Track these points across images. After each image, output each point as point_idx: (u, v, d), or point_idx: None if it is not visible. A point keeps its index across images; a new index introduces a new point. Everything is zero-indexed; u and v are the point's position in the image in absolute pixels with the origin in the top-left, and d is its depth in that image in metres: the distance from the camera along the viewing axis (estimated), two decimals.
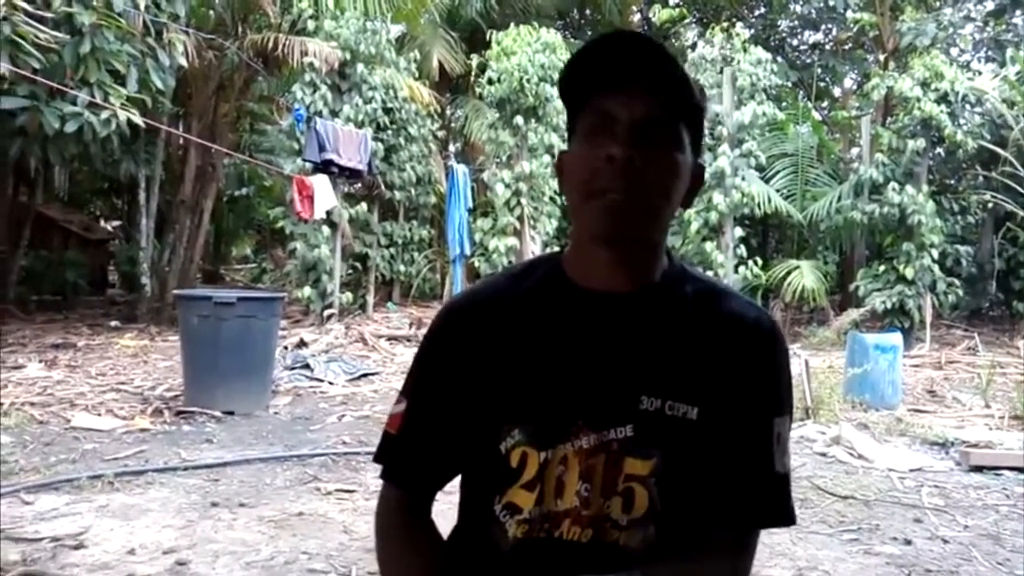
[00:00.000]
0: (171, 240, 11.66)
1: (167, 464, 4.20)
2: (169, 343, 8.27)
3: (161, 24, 7.90)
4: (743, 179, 9.93)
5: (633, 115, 0.88)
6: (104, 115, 7.04)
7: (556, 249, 1.13)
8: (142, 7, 7.52)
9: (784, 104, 12.39)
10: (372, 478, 3.90)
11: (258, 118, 15.57)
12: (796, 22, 17.26)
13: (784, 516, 0.95)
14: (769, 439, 0.93)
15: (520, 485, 0.92)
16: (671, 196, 0.92)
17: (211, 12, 10.68)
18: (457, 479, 1.04)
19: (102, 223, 16.97)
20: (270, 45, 9.99)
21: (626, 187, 0.87)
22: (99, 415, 5.24)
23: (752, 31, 15.46)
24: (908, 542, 3.40)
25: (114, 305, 12.41)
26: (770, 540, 3.33)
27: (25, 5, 6.23)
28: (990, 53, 12.95)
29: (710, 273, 9.13)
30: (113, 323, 10.09)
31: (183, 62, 8.36)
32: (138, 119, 7.34)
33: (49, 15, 6.61)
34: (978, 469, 4.51)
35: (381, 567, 1.02)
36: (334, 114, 9.83)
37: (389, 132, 10.95)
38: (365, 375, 7.18)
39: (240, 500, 3.68)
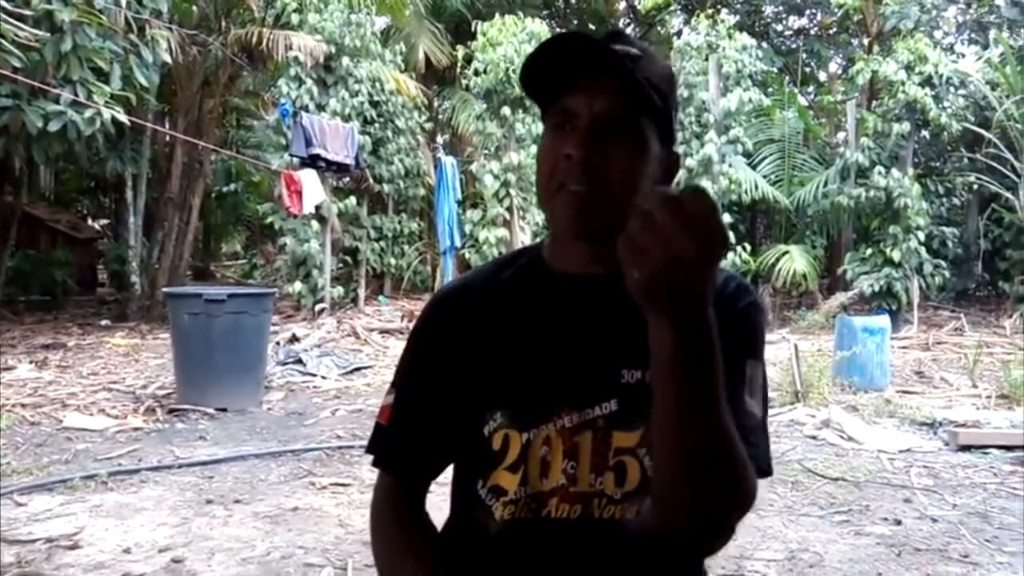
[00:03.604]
0: (160, 238, 11.60)
1: (161, 462, 4.20)
2: (160, 341, 8.25)
3: (143, 20, 7.84)
4: (730, 166, 9.96)
5: (593, 111, 0.88)
6: (88, 113, 6.98)
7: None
8: (123, 3, 7.46)
9: (770, 90, 12.41)
10: (367, 472, 3.91)
11: (244, 114, 15.49)
12: (781, 7, 17.28)
13: (757, 461, 0.87)
14: (740, 379, 0.91)
15: (504, 467, 0.93)
16: (634, 186, 0.90)
17: (194, 7, 10.58)
18: (450, 469, 1.06)
19: (90, 222, 16.86)
20: (254, 40, 9.93)
21: (585, 180, 0.88)
22: (91, 415, 5.23)
23: (737, 17, 15.43)
24: (898, 522, 3.45)
25: (104, 304, 12.35)
26: (762, 523, 3.37)
27: (3, 3, 6.16)
28: (973, 35, 13.00)
29: None
30: (103, 322, 10.05)
31: (167, 58, 8.29)
32: (123, 117, 7.28)
33: (28, 13, 6.54)
34: (966, 448, 4.57)
35: (375, 555, 1.03)
36: (320, 108, 9.79)
37: (376, 125, 10.91)
38: (358, 369, 7.19)
39: (235, 496, 3.69)
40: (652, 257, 0.67)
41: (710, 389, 0.75)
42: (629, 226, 0.68)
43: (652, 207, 0.67)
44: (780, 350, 6.47)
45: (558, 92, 0.91)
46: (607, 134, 0.88)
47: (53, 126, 6.91)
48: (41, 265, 11.82)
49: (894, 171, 9.84)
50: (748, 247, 10.21)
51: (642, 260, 0.67)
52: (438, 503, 1.07)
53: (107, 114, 7.07)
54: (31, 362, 7.10)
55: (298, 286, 9.77)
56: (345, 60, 9.98)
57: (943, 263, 10.39)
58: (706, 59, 10.24)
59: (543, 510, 0.92)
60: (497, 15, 10.30)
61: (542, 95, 0.94)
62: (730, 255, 9.88)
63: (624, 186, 0.89)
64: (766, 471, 0.92)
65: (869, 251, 10.14)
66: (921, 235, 9.90)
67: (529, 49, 9.55)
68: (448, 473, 1.06)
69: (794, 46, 16.94)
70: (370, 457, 1.05)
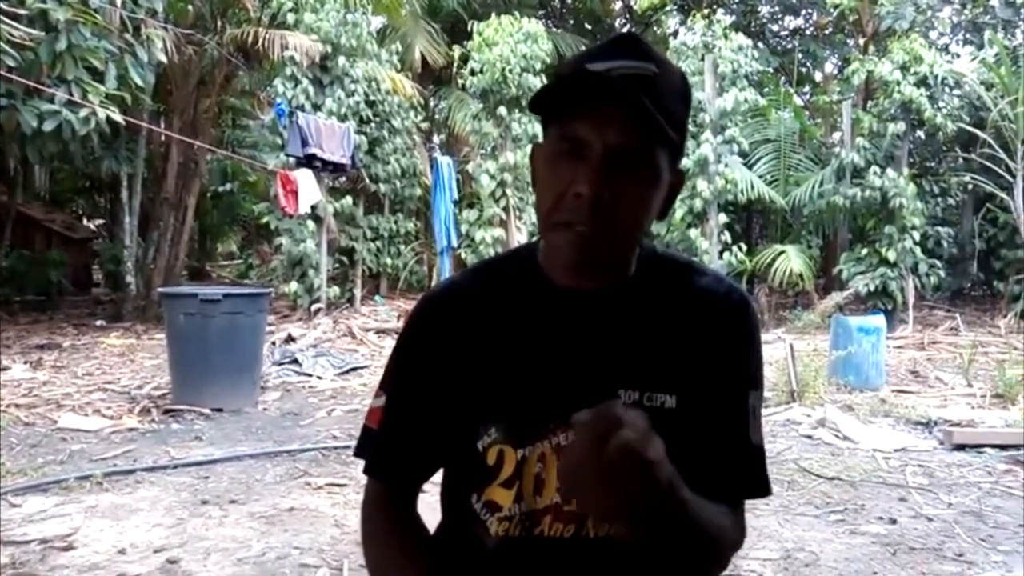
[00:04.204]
0: (155, 238, 11.57)
1: (156, 463, 4.19)
2: (156, 341, 8.23)
3: (138, 20, 7.82)
4: (726, 166, 9.97)
5: (606, 143, 0.83)
6: (83, 113, 6.96)
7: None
8: (118, 2, 7.44)
9: (766, 90, 12.41)
10: (362, 472, 3.91)
11: (240, 113, 15.45)
12: (776, 7, 17.29)
13: (761, 488, 0.96)
14: (745, 413, 0.94)
15: (498, 483, 0.92)
16: (641, 225, 0.89)
17: (189, 7, 10.57)
18: (439, 474, 1.05)
19: (85, 222, 16.80)
20: (250, 39, 9.91)
21: (593, 221, 0.84)
22: (86, 415, 5.21)
23: (733, 17, 15.48)
24: (893, 521, 3.46)
25: (99, 304, 12.31)
26: (758, 523, 3.37)
27: None
28: (968, 36, 13.02)
29: (695, 259, 9.17)
30: (98, 322, 10.02)
31: (162, 58, 8.27)
32: (118, 116, 7.26)
33: (23, 12, 6.52)
34: (961, 447, 4.58)
35: (367, 558, 1.02)
36: (316, 108, 9.77)
37: (372, 125, 10.89)
38: (354, 369, 7.18)
39: (230, 497, 3.68)
40: (585, 498, 0.70)
41: (684, 528, 0.80)
42: (564, 460, 0.72)
43: (579, 459, 0.68)
44: (776, 350, 6.48)
45: (568, 113, 0.86)
46: (618, 167, 0.84)
47: (48, 126, 6.89)
48: (36, 265, 11.78)
49: (889, 171, 9.86)
50: (744, 247, 10.22)
51: (578, 497, 0.71)
52: (432, 503, 1.06)
53: (102, 114, 7.05)
54: (26, 362, 7.08)
55: (294, 286, 9.76)
56: (341, 60, 9.97)
57: (938, 263, 10.41)
58: (702, 59, 10.25)
59: (536, 528, 0.92)
60: (493, 15, 10.30)
61: (550, 115, 0.89)
62: (726, 255, 9.91)
63: (631, 222, 0.88)
64: (766, 493, 0.97)
65: (865, 251, 10.16)
66: (916, 235, 9.91)
67: (525, 49, 9.64)
68: (439, 473, 1.05)
69: (790, 46, 16.96)
70: (361, 460, 1.04)
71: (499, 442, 0.93)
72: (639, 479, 0.67)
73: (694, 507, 0.80)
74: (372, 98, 10.72)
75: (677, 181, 0.93)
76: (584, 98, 0.84)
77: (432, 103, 14.60)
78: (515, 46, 9.61)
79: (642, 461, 0.67)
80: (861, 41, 13.91)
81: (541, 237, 0.96)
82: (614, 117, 0.83)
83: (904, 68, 9.87)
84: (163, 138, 11.93)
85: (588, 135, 0.84)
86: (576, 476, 0.69)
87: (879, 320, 6.68)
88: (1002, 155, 9.93)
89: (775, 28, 17.94)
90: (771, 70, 14.73)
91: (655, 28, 17.73)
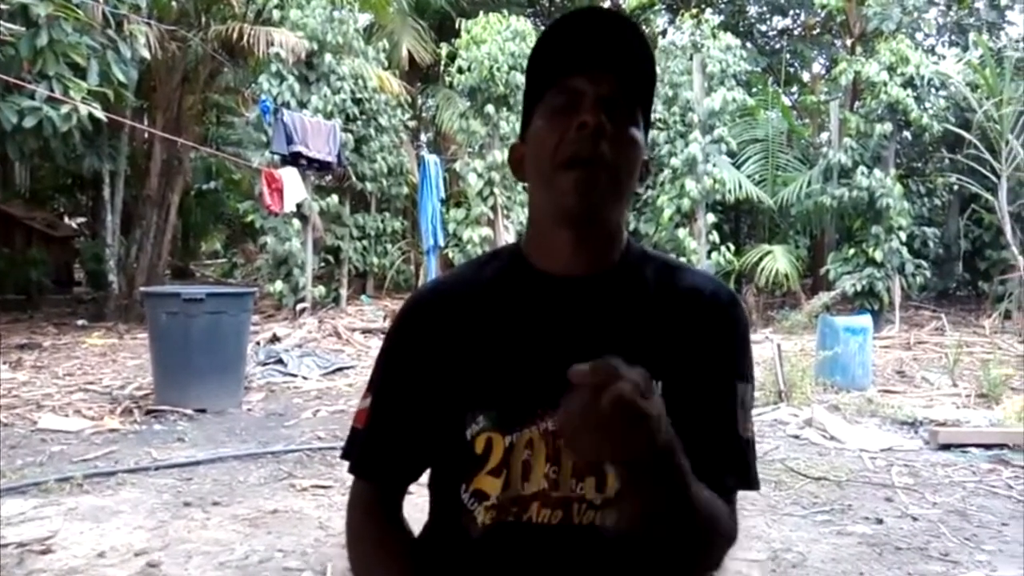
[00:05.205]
0: (138, 236, 11.45)
1: (138, 464, 4.14)
2: (138, 341, 8.15)
3: (121, 15, 7.73)
4: (714, 165, 9.99)
5: (599, 92, 0.90)
6: (64, 109, 6.87)
7: None
8: None
9: (754, 90, 12.46)
10: (348, 473, 3.86)
11: (224, 110, 15.31)
12: (764, 8, 17.36)
13: (748, 480, 0.96)
14: (733, 404, 0.95)
15: (486, 471, 0.92)
16: (632, 172, 0.93)
17: (173, 3, 10.46)
18: (427, 474, 1.03)
19: (66, 220, 16.60)
20: (235, 36, 9.82)
21: (595, 156, 0.88)
22: (67, 416, 5.14)
23: (721, 17, 15.52)
24: (879, 521, 3.46)
25: (81, 303, 12.18)
26: (745, 523, 3.35)
27: None
28: (953, 37, 13.12)
29: (683, 259, 9.18)
30: (80, 322, 9.91)
31: (145, 54, 8.19)
32: (100, 113, 7.19)
33: (3, 7, 6.43)
34: (946, 447, 4.61)
35: (351, 560, 1.01)
36: (302, 105, 9.70)
37: (359, 123, 10.82)
38: (339, 369, 7.13)
39: (213, 499, 3.64)
40: (580, 445, 0.71)
41: (679, 499, 0.79)
42: (562, 408, 0.71)
43: (575, 406, 0.69)
44: (763, 350, 6.48)
45: (560, 74, 0.93)
46: (611, 115, 0.90)
47: (28, 122, 6.80)
48: (16, 264, 11.63)
49: (876, 171, 9.92)
50: (732, 247, 10.25)
51: (574, 444, 0.72)
52: (419, 504, 1.04)
53: (84, 110, 6.96)
54: (5, 363, 6.98)
55: (279, 285, 9.69)
56: (327, 57, 9.90)
57: (924, 263, 10.48)
58: (690, 59, 10.27)
59: (524, 515, 0.91)
60: (481, 13, 10.26)
61: (545, 76, 0.95)
62: (714, 255, 9.93)
63: (626, 167, 0.92)
64: (755, 485, 0.97)
65: (851, 251, 10.21)
66: (903, 235, 9.98)
67: (513, 47, 9.61)
68: (427, 476, 1.03)
69: (778, 46, 17.04)
70: (348, 463, 1.03)
71: (487, 430, 0.92)
72: (633, 431, 0.68)
73: (692, 480, 0.80)
74: (358, 96, 10.66)
75: (645, 160, 0.98)
76: (580, 52, 0.92)
77: (419, 101, 14.56)
78: (503, 44, 9.59)
79: (636, 414, 0.68)
80: (848, 42, 13.97)
81: (529, 221, 0.99)
82: (605, 74, 0.91)
83: (891, 69, 9.93)
84: (146, 135, 11.81)
85: (584, 86, 0.91)
86: (572, 423, 0.69)
87: (866, 320, 6.71)
88: (987, 156, 10.01)
89: (763, 28, 18.03)
90: (759, 70, 14.79)
91: (643, 27, 17.77)
